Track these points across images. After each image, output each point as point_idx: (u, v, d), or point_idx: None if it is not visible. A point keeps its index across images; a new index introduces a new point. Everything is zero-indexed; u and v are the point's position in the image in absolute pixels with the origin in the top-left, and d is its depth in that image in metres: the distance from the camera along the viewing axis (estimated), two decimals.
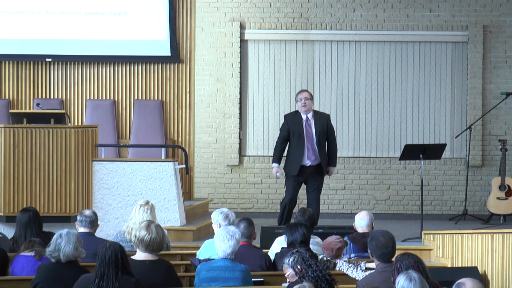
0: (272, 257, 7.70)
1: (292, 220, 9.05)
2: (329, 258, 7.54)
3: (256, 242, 8.58)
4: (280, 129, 10.92)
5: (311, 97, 10.74)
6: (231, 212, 8.04)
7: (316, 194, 10.61)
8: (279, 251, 7.65)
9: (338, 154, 13.40)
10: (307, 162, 10.59)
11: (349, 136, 13.63)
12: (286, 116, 10.91)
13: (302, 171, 10.60)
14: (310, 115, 10.67)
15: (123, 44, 12.53)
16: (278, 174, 10.78)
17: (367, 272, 6.99)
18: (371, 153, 13.65)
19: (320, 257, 7.60)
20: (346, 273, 7.35)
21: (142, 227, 6.52)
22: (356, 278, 7.17)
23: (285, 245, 7.52)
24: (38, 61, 12.69)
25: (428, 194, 13.46)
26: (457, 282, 4.88)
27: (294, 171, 10.59)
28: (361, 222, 8.43)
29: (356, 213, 8.66)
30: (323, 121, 10.67)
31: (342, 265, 7.43)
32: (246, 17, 13.67)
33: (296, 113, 10.76)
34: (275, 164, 10.78)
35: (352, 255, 8.19)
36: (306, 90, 10.92)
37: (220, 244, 6.73)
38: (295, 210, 9.77)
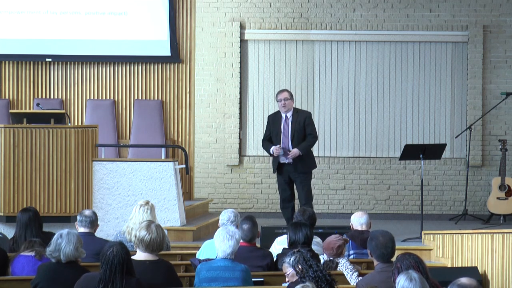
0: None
1: None
2: (331, 258, 7.53)
3: (256, 242, 8.57)
4: (265, 130, 10.97)
5: (291, 97, 10.75)
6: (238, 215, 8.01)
7: (302, 192, 10.61)
8: (279, 251, 7.64)
9: (338, 154, 13.50)
10: (282, 159, 10.63)
11: (349, 136, 13.63)
12: (268, 117, 11.01)
13: (281, 169, 10.68)
14: (289, 114, 10.70)
15: (123, 44, 12.52)
16: (280, 151, 10.57)
17: None
18: (371, 153, 13.64)
19: (324, 258, 7.59)
20: (344, 273, 7.35)
21: (142, 227, 6.51)
22: (350, 283, 7.16)
23: (286, 245, 7.50)
24: (38, 61, 12.69)
25: (428, 194, 13.46)
26: (452, 282, 4.89)
27: (274, 169, 10.77)
28: (360, 220, 8.43)
29: None
30: (300, 118, 10.67)
31: (343, 265, 7.43)
32: (246, 17, 13.67)
33: (278, 113, 10.84)
34: (273, 147, 10.66)
35: (351, 251, 8.20)
36: (286, 90, 10.88)
37: (220, 244, 6.72)
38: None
